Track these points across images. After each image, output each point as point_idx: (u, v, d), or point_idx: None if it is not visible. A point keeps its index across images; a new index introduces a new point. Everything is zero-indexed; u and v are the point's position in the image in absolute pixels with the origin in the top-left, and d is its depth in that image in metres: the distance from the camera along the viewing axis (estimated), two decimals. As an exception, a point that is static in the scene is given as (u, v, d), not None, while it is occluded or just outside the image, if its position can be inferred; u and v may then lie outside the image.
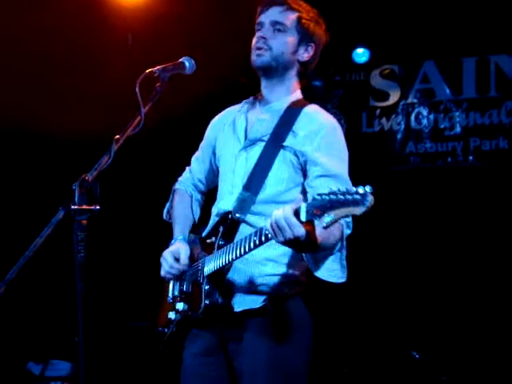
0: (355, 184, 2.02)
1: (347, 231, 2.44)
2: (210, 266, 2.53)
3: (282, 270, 2.55)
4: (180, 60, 2.63)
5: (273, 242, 2.29)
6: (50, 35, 4.71)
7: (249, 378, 2.51)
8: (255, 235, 2.29)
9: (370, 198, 1.94)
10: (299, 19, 2.62)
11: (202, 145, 2.94)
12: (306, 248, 2.23)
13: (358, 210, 1.94)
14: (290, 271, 2.57)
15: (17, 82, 4.79)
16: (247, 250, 2.34)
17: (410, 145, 5.97)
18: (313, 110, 2.65)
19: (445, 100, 5.87)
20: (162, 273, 2.70)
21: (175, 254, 2.66)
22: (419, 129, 5.96)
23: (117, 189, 4.69)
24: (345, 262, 2.44)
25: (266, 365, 2.48)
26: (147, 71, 2.43)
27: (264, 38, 2.59)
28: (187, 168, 3.00)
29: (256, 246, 2.30)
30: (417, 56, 5.91)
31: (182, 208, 2.88)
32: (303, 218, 2.08)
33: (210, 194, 2.96)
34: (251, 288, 2.54)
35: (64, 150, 5.50)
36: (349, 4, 5.48)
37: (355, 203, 1.94)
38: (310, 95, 6.66)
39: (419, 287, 5.55)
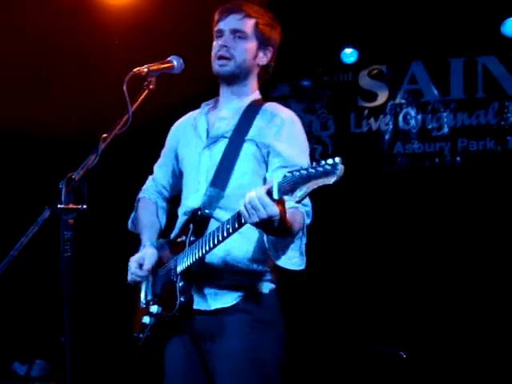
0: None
1: (307, 221, 2.49)
2: (183, 263, 2.56)
3: (255, 266, 2.59)
4: (168, 59, 2.62)
5: (244, 239, 2.41)
6: (35, 35, 4.69)
7: (224, 378, 2.54)
8: (228, 223, 2.33)
9: (340, 167, 1.99)
10: (257, 25, 2.69)
11: (163, 151, 2.98)
12: (277, 230, 2.27)
13: (330, 180, 1.99)
14: (263, 268, 2.61)
15: (2, 82, 4.76)
16: (220, 239, 2.38)
17: (398, 145, 5.99)
18: (273, 106, 2.71)
19: (432, 100, 5.89)
20: (128, 277, 2.73)
21: (140, 260, 2.69)
22: (407, 129, 5.98)
23: (104, 188, 4.67)
24: (304, 250, 2.49)
25: (240, 364, 2.51)
26: (135, 70, 2.42)
27: (226, 46, 2.65)
28: (150, 177, 3.02)
29: (229, 234, 2.34)
30: (405, 56, 5.93)
31: (148, 215, 2.89)
32: (276, 195, 2.13)
33: (175, 201, 2.97)
34: (225, 285, 2.57)
35: (51, 149, 5.48)
36: (337, 4, 5.48)
37: (326, 174, 2.00)
38: (299, 95, 6.72)
39: (407, 286, 5.57)
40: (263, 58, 2.74)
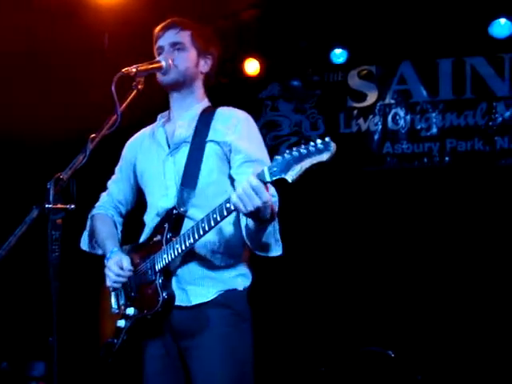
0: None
1: (276, 209, 2.56)
2: (162, 260, 2.63)
3: (232, 261, 2.71)
4: (157, 59, 2.64)
5: (220, 233, 2.58)
6: (23, 35, 4.67)
7: (202, 368, 2.62)
8: (214, 213, 2.41)
9: (333, 144, 2.10)
10: (192, 37, 2.83)
11: (119, 167, 3.06)
12: (265, 216, 2.35)
13: (324, 157, 2.10)
14: (239, 262, 2.73)
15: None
16: (207, 229, 2.45)
17: (387, 145, 6.01)
18: (226, 109, 2.86)
19: (421, 101, 5.92)
20: (109, 283, 2.79)
21: (118, 262, 2.75)
22: (396, 129, 6.00)
23: (93, 188, 4.66)
24: (278, 236, 2.58)
25: (218, 353, 2.60)
26: (123, 70, 2.44)
27: (167, 58, 2.75)
28: (103, 193, 3.08)
29: (217, 223, 2.42)
30: (394, 57, 5.94)
31: (108, 228, 2.97)
32: (268, 178, 2.22)
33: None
34: (204, 280, 2.67)
35: (39, 149, 5.46)
36: (327, 5, 5.49)
37: (319, 151, 2.11)
38: (289, 95, 6.73)
39: (395, 286, 5.59)
40: (205, 66, 2.86)
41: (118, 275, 2.74)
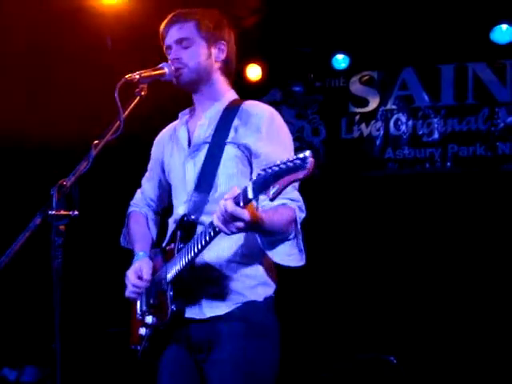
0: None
1: (301, 214, 2.46)
2: (172, 270, 2.53)
3: (248, 271, 2.57)
4: (160, 65, 2.63)
5: (232, 242, 2.48)
6: (25, 37, 4.67)
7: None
8: (209, 227, 2.31)
9: (310, 160, 1.97)
10: (198, 27, 2.65)
11: (149, 165, 2.98)
12: (260, 230, 2.28)
13: (300, 174, 1.98)
14: (256, 272, 2.58)
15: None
16: (203, 243, 2.35)
17: (389, 151, 6.01)
18: (250, 104, 2.67)
19: (423, 107, 5.92)
20: (127, 293, 2.70)
21: (137, 271, 2.66)
22: (398, 135, 6.00)
23: (96, 194, 4.66)
24: (302, 246, 2.45)
25: (234, 372, 2.48)
26: (127, 76, 2.43)
27: (177, 58, 2.62)
28: (138, 190, 3.02)
29: (211, 238, 2.32)
30: (396, 63, 5.95)
31: (139, 227, 2.89)
32: (251, 195, 2.09)
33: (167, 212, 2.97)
34: (219, 293, 2.54)
35: (42, 155, 5.46)
36: (329, 11, 5.50)
37: (296, 168, 1.98)
38: (291, 100, 6.72)
39: (396, 291, 5.58)
40: (219, 54, 2.69)
41: (135, 285, 2.64)
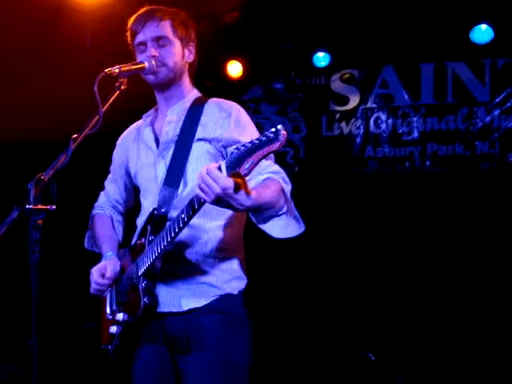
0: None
1: (287, 186, 2.48)
2: (144, 264, 2.55)
3: (222, 264, 2.61)
4: (140, 60, 2.62)
5: (205, 234, 2.48)
6: (4, 34, 4.63)
7: (194, 377, 2.54)
8: (182, 213, 2.32)
9: (283, 133, 2.03)
10: (173, 26, 2.68)
11: (112, 167, 2.99)
12: (244, 205, 2.21)
13: (275, 146, 2.04)
14: (230, 263, 2.63)
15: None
16: (177, 230, 2.36)
17: (369, 149, 6.03)
18: (215, 101, 2.72)
19: (403, 105, 5.95)
20: (91, 290, 2.73)
21: (101, 269, 2.69)
22: (378, 133, 6.03)
23: (74, 188, 4.63)
24: (297, 214, 2.47)
25: (211, 363, 2.53)
26: (106, 70, 2.41)
27: (155, 56, 2.63)
28: (101, 192, 3.02)
29: (185, 223, 2.33)
30: (376, 61, 5.97)
31: (105, 229, 2.90)
32: (224, 172, 2.11)
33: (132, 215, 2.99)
34: (195, 285, 2.58)
35: (20, 149, 5.41)
36: (309, 8, 5.51)
37: (269, 141, 2.04)
38: (271, 98, 6.73)
39: (374, 289, 5.61)
40: (190, 56, 2.74)
41: (97, 283, 2.67)
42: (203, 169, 2.14)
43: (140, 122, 2.88)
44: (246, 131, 2.59)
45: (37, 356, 2.11)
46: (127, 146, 2.88)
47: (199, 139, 2.61)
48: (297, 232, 2.46)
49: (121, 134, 3.01)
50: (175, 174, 2.60)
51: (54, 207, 2.16)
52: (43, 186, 2.18)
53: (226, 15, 5.50)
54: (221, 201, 2.16)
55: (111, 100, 2.41)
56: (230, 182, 2.12)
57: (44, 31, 4.75)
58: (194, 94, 2.77)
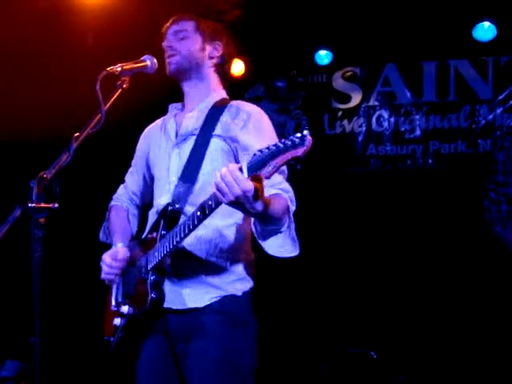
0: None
1: (292, 207, 2.47)
2: (154, 258, 2.55)
3: (228, 264, 2.61)
4: (142, 58, 2.62)
5: (216, 235, 2.49)
6: (6, 33, 4.63)
7: (197, 378, 2.53)
8: (197, 210, 2.30)
9: (308, 138, 1.99)
10: (197, 25, 2.80)
11: (134, 159, 3.01)
12: (255, 209, 2.20)
13: (300, 151, 1.99)
14: (237, 265, 2.62)
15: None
16: (191, 227, 2.35)
17: (371, 147, 6.02)
18: (238, 102, 2.75)
19: (405, 103, 5.94)
20: (102, 275, 2.72)
21: (113, 254, 2.70)
22: (380, 131, 6.02)
23: (77, 187, 4.63)
24: (295, 236, 2.45)
25: (214, 365, 2.51)
26: (108, 69, 2.42)
27: (170, 46, 2.74)
28: (121, 185, 3.04)
29: (200, 221, 2.32)
30: (378, 59, 5.97)
31: (119, 221, 2.91)
32: (245, 174, 2.09)
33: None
34: (199, 284, 2.58)
35: (23, 148, 5.42)
36: (311, 6, 5.50)
37: (294, 146, 2.00)
38: (273, 96, 6.72)
39: (376, 287, 5.60)
40: (213, 52, 2.79)
41: (111, 266, 2.66)
42: (223, 168, 2.13)
43: (167, 114, 2.90)
44: (264, 137, 2.56)
45: (40, 354, 2.11)
46: (151, 137, 2.90)
47: (216, 135, 2.63)
48: (290, 254, 2.45)
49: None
50: (192, 169, 2.61)
51: (56, 205, 2.17)
52: (46, 185, 2.18)
53: (228, 13, 5.50)
54: (236, 202, 2.15)
55: (113, 99, 2.42)
56: (250, 185, 2.10)
57: (46, 31, 4.76)
58: (221, 94, 2.80)
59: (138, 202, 3.00)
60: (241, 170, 2.10)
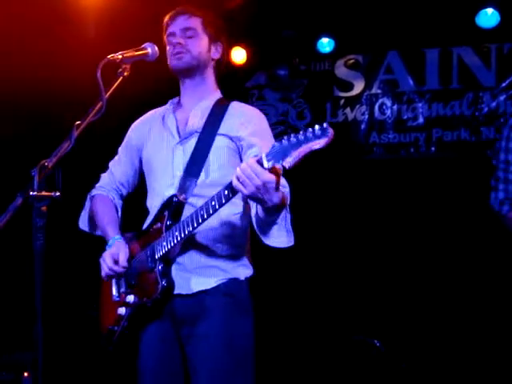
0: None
1: (287, 201, 2.53)
2: (162, 248, 2.62)
3: (234, 251, 2.71)
4: (143, 46, 2.61)
5: (221, 222, 2.58)
6: (7, 25, 4.62)
7: (201, 358, 2.62)
8: (213, 200, 2.38)
9: (331, 130, 2.06)
10: (203, 23, 2.85)
11: (123, 149, 3.01)
12: (273, 201, 2.27)
13: (321, 143, 2.07)
14: (241, 252, 2.74)
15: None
16: (205, 216, 2.43)
17: (374, 135, 6.01)
18: (239, 104, 2.85)
19: (408, 91, 5.92)
20: (103, 274, 2.78)
21: (114, 255, 2.73)
22: (383, 119, 6.00)
23: (78, 175, 4.63)
24: (290, 227, 2.53)
25: (219, 345, 2.61)
26: (109, 56, 2.42)
27: (180, 43, 2.79)
28: (104, 174, 3.04)
29: (215, 210, 2.39)
30: (381, 47, 5.94)
31: (108, 211, 2.93)
32: (265, 165, 2.18)
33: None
34: (205, 269, 2.67)
35: (24, 136, 5.41)
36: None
37: (317, 137, 2.07)
38: (275, 84, 6.70)
39: (380, 275, 5.61)
40: (216, 53, 2.88)
41: (111, 269, 2.72)
42: (243, 163, 2.22)
43: (163, 107, 2.94)
44: (266, 139, 2.68)
45: (43, 343, 2.12)
46: (145, 131, 2.92)
47: (221, 134, 2.72)
48: (285, 245, 2.52)
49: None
50: (197, 164, 2.69)
51: (57, 194, 2.16)
52: (47, 173, 2.18)
53: (230, 1, 5.47)
54: (255, 194, 2.23)
55: (114, 86, 2.42)
56: (271, 177, 2.18)
57: (47, 22, 4.74)
58: (218, 94, 2.89)
59: (124, 192, 3.02)
60: (260, 162, 2.18)
